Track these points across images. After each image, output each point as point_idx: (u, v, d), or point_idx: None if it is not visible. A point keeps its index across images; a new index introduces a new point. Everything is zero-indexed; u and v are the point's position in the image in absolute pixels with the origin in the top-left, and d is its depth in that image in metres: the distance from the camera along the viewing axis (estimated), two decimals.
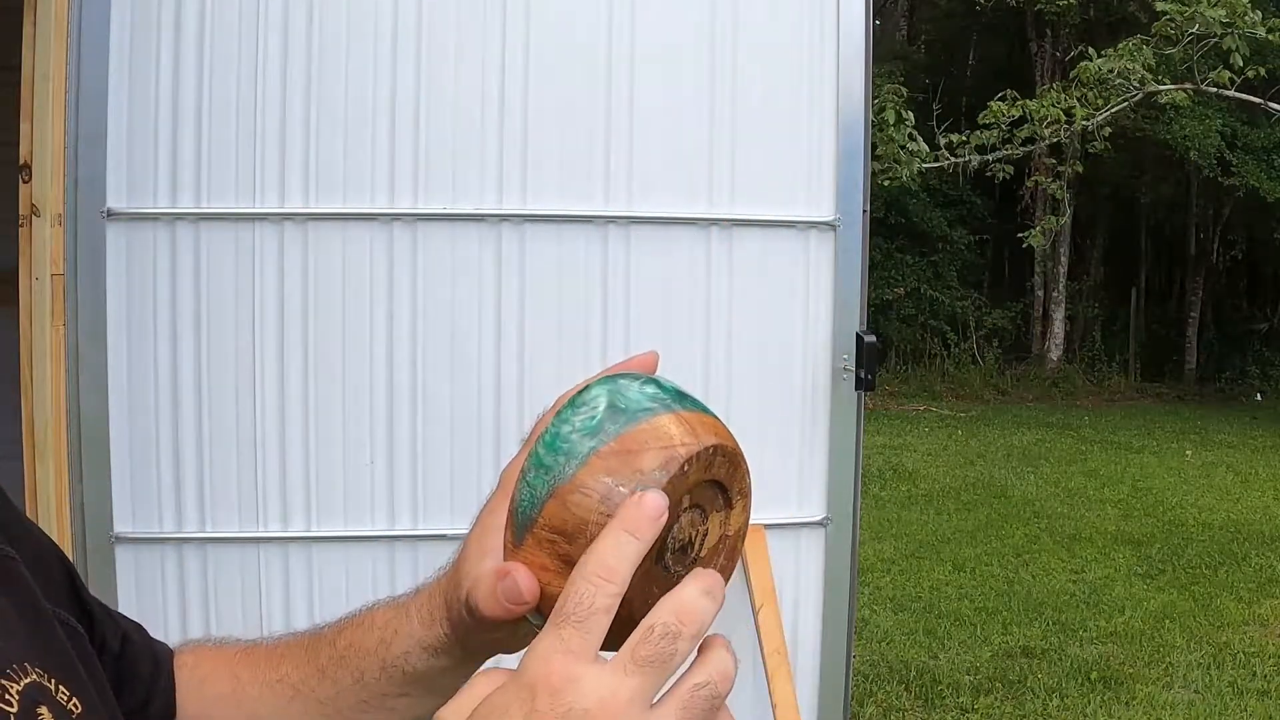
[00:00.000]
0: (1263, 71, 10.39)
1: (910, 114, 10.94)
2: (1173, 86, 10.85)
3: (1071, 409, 15.10)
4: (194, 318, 2.80)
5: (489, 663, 0.71)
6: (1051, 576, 7.29)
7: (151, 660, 0.83)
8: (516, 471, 0.63)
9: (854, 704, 4.60)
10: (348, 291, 2.84)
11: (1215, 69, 10.37)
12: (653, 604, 0.57)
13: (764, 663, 2.90)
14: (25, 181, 2.60)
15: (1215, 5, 9.59)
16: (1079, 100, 10.86)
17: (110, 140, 2.70)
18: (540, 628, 0.57)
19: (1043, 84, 14.33)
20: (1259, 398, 16.23)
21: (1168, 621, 6.40)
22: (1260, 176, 14.79)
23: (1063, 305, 17.62)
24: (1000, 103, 10.96)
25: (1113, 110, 11.01)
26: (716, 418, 0.63)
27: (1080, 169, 13.41)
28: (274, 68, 2.76)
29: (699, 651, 0.57)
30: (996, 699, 5.29)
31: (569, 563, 0.59)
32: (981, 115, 11.17)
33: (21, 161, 2.61)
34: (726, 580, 0.63)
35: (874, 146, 8.29)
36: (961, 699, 5.28)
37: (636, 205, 2.92)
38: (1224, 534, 8.34)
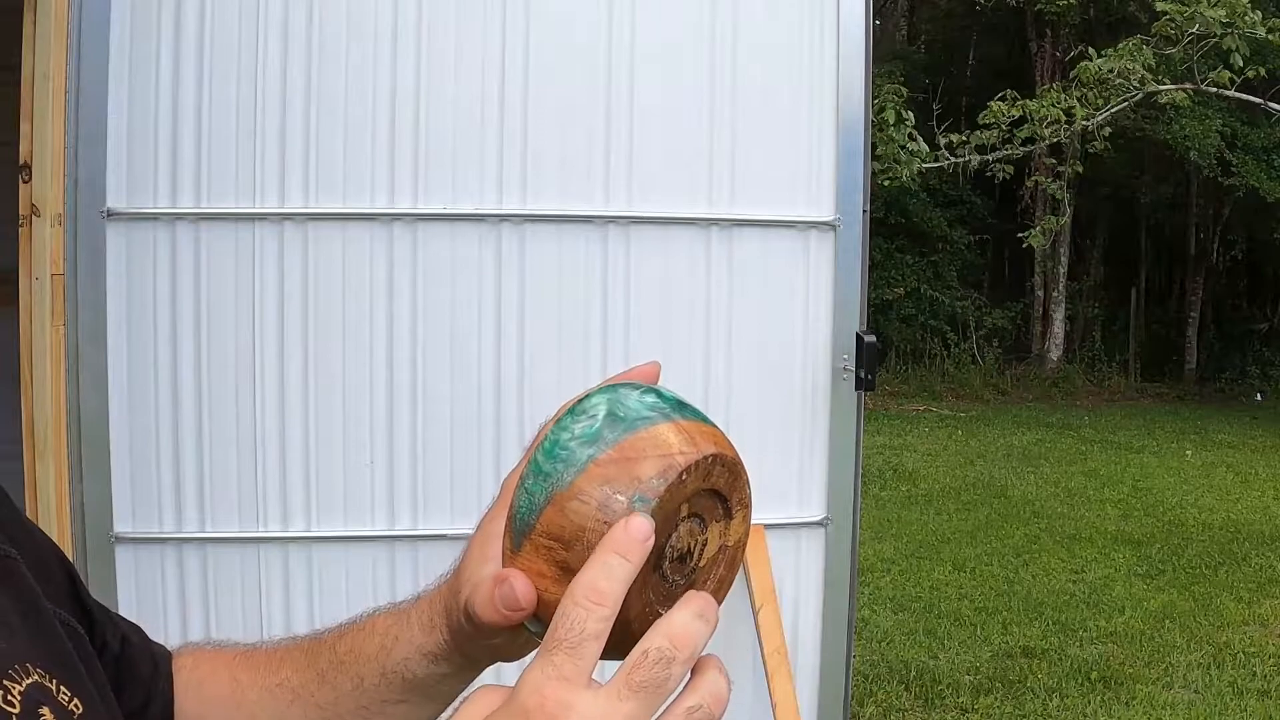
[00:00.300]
0: (1263, 71, 10.38)
1: (910, 114, 10.93)
2: (1173, 86, 10.84)
3: (1071, 409, 15.09)
4: (194, 318, 2.80)
5: (487, 673, 0.71)
6: (1051, 576, 7.29)
7: (151, 662, 0.83)
8: (517, 479, 0.64)
9: (854, 704, 4.60)
10: (348, 291, 2.84)
11: (1215, 69, 10.36)
12: (650, 613, 0.57)
13: (764, 663, 2.91)
14: (25, 181, 2.60)
15: (1215, 5, 9.58)
16: (1079, 100, 10.84)
17: (110, 140, 2.70)
18: (538, 635, 0.57)
19: (1043, 84, 14.30)
20: (1259, 398, 16.22)
21: (1168, 621, 6.40)
22: (1260, 176, 14.77)
23: (1063, 305, 17.61)
24: (1000, 103, 10.94)
25: (1113, 110, 11.00)
26: (717, 427, 0.63)
27: (1080, 169, 13.38)
28: (274, 68, 2.76)
29: (692, 673, 0.58)
30: (996, 699, 5.29)
31: (566, 569, 0.59)
32: (981, 115, 11.15)
33: (21, 161, 2.61)
34: (727, 589, 0.63)
35: (874, 146, 8.27)
36: (961, 699, 5.28)
37: (636, 205, 2.92)
38: (1224, 534, 8.34)
